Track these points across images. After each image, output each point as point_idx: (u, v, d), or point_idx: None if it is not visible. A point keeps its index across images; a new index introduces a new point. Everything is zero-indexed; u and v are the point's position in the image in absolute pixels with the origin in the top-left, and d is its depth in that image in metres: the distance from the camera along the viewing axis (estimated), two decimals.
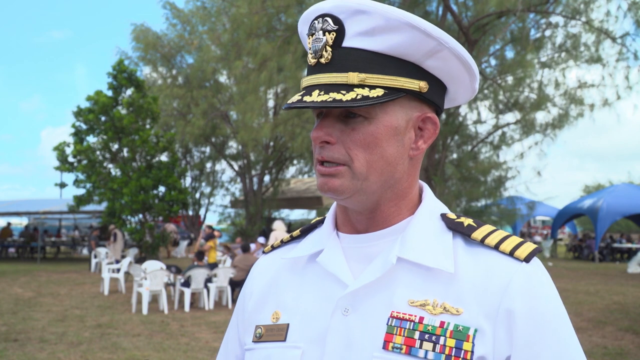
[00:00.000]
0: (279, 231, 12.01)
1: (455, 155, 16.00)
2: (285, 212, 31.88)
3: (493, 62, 15.69)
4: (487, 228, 0.97)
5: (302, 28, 0.99)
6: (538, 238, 32.70)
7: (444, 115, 14.37)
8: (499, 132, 16.12)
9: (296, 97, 0.91)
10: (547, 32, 14.81)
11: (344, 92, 0.88)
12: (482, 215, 15.07)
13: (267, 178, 25.36)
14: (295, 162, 25.33)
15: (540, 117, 15.75)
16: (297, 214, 33.22)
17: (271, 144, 23.51)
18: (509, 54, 15.23)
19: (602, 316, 9.78)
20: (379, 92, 0.88)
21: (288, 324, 0.98)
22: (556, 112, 15.61)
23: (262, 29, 13.98)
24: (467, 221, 0.97)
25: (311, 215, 27.36)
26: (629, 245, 25.65)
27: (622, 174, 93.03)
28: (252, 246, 13.84)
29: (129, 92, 18.68)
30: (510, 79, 15.16)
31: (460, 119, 15.52)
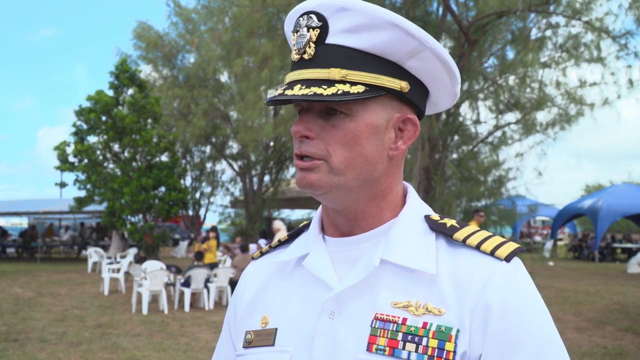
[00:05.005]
0: (283, 231, 11.88)
1: (455, 155, 15.99)
2: (285, 212, 31.90)
3: (494, 62, 15.69)
4: (470, 229, 0.97)
5: (288, 26, 1.00)
6: (538, 238, 32.70)
7: (443, 115, 14.35)
8: (499, 132, 16.12)
9: (278, 92, 0.92)
10: (548, 32, 14.80)
11: (325, 87, 0.89)
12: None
13: (267, 178, 25.37)
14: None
15: (541, 116, 15.75)
16: (297, 214, 33.22)
17: (271, 144, 23.52)
18: (510, 54, 15.23)
19: (602, 316, 9.78)
20: (360, 88, 0.89)
21: (276, 329, 0.99)
22: (556, 111, 15.60)
23: (262, 28, 13.98)
24: (450, 222, 0.98)
25: (312, 215, 27.34)
26: (630, 245, 25.65)
27: (622, 174, 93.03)
28: (253, 246, 13.84)
29: (130, 91, 18.68)
30: (511, 79, 15.15)
31: (461, 119, 15.51)
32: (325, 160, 0.92)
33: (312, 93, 0.88)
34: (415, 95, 0.97)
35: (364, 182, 0.94)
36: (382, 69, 0.92)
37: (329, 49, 0.91)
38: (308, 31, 0.92)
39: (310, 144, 0.92)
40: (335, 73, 0.90)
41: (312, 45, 0.92)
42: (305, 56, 0.92)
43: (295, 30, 0.95)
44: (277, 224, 11.92)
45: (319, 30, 0.91)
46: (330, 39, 0.91)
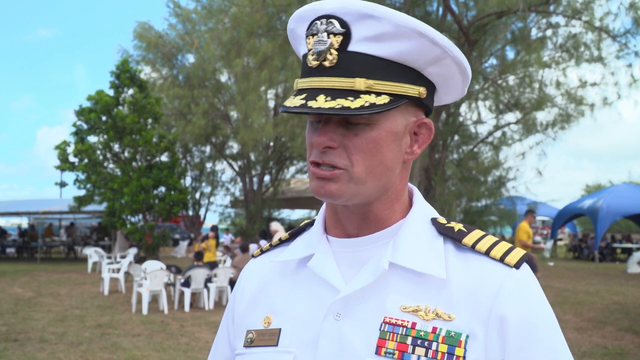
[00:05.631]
0: (280, 232, 11.93)
1: (455, 155, 15.99)
2: (285, 212, 31.87)
3: (494, 62, 15.70)
4: (477, 233, 0.97)
5: (296, 25, 0.96)
6: (538, 238, 32.65)
7: (443, 115, 14.36)
8: (500, 132, 16.13)
9: (298, 101, 0.88)
10: (548, 32, 14.80)
11: (351, 98, 0.86)
12: (482, 216, 15.05)
13: (267, 178, 25.36)
14: (295, 162, 25.34)
15: (541, 116, 15.76)
16: (297, 214, 33.19)
17: (271, 144, 23.51)
18: (510, 54, 15.24)
19: (602, 316, 9.78)
20: (385, 99, 0.88)
21: (280, 329, 0.98)
22: (557, 111, 15.61)
23: (262, 28, 13.98)
24: (458, 226, 0.98)
25: (311, 215, 27.35)
26: (630, 245, 25.65)
27: (622, 174, 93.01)
28: (253, 246, 13.84)
29: (131, 91, 18.68)
30: (511, 79, 15.16)
31: (461, 119, 15.52)
32: (347, 169, 0.90)
33: (339, 106, 0.85)
34: (429, 99, 0.97)
35: (382, 187, 0.94)
36: (403, 76, 0.90)
37: (352, 57, 0.88)
38: (329, 37, 0.88)
39: (334, 154, 0.90)
40: (360, 83, 0.87)
41: (334, 52, 0.88)
42: (326, 63, 0.88)
43: (312, 34, 0.90)
44: (275, 226, 11.93)
45: (341, 37, 0.88)
46: (352, 47, 0.88)
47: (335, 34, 0.88)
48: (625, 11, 12.45)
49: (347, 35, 0.88)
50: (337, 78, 0.88)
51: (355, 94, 0.87)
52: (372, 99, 0.87)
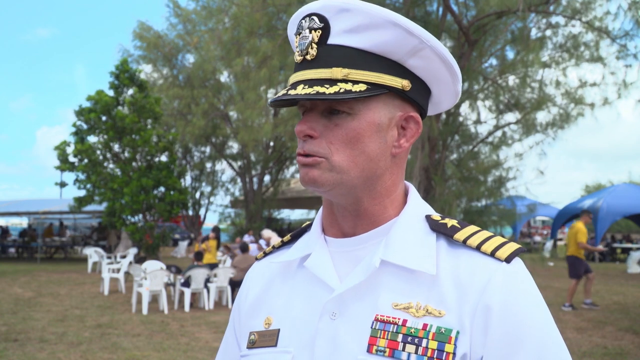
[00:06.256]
0: (274, 237, 11.99)
1: (455, 155, 15.98)
2: (285, 212, 31.89)
3: (494, 62, 15.70)
4: (471, 229, 0.97)
5: (291, 29, 1.02)
6: (538, 238, 32.69)
7: (444, 115, 14.35)
8: (500, 132, 16.12)
9: (282, 92, 0.94)
10: (548, 32, 14.80)
11: (327, 86, 0.90)
12: (482, 216, 15.04)
13: (267, 178, 25.38)
14: (295, 162, 25.36)
15: (541, 116, 15.75)
16: (297, 214, 33.20)
17: (271, 144, 23.52)
18: (510, 54, 15.24)
19: (602, 316, 9.78)
20: (362, 87, 0.91)
21: (279, 329, 0.99)
22: (557, 111, 15.60)
23: (262, 28, 13.98)
24: (451, 222, 0.98)
25: (311, 215, 27.35)
26: (630, 245, 25.64)
27: (622, 174, 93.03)
28: (253, 246, 13.81)
29: (131, 91, 18.69)
30: (511, 79, 15.15)
31: (461, 119, 15.51)
32: (327, 158, 0.93)
33: (315, 92, 0.89)
34: (417, 94, 0.97)
35: (367, 179, 0.95)
36: (383, 67, 0.93)
37: (331, 49, 0.92)
38: (310, 33, 0.93)
39: (314, 143, 0.93)
40: (337, 72, 0.91)
41: (315, 46, 0.93)
42: (308, 57, 0.93)
43: (298, 33, 0.96)
44: (267, 233, 11.93)
45: (320, 31, 0.93)
46: (332, 40, 0.92)
47: (315, 29, 0.93)
48: (624, 12, 12.44)
49: (326, 30, 0.93)
50: (317, 70, 0.92)
51: (333, 82, 0.91)
52: (348, 86, 0.90)
